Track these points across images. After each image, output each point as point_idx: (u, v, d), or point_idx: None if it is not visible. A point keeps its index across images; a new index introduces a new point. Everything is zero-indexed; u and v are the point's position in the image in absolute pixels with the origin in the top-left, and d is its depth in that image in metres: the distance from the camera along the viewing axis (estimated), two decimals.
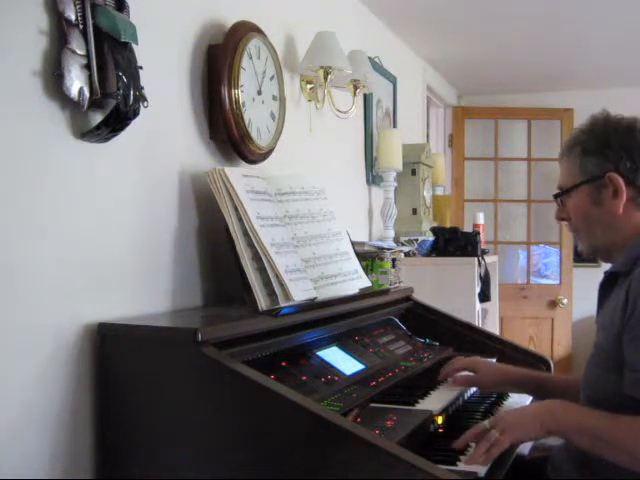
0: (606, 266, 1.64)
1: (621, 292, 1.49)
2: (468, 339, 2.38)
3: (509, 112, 5.28)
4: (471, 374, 1.93)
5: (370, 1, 3.32)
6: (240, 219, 1.72)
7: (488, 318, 3.87)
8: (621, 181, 1.53)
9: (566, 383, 1.86)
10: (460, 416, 1.85)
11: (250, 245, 1.72)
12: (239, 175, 1.80)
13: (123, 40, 1.47)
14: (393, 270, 2.56)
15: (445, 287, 3.15)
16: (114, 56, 1.47)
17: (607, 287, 1.61)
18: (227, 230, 1.73)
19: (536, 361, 2.26)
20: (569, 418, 1.46)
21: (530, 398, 2.03)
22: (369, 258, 2.46)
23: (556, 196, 1.67)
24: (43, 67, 1.42)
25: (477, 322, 3.21)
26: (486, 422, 1.50)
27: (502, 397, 2.08)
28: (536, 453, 1.84)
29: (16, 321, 1.37)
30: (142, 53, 1.56)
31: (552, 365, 2.27)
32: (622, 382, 1.43)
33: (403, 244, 3.33)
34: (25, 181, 1.40)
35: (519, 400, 2.03)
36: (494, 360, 2.24)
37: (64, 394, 1.48)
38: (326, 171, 2.76)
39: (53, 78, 1.43)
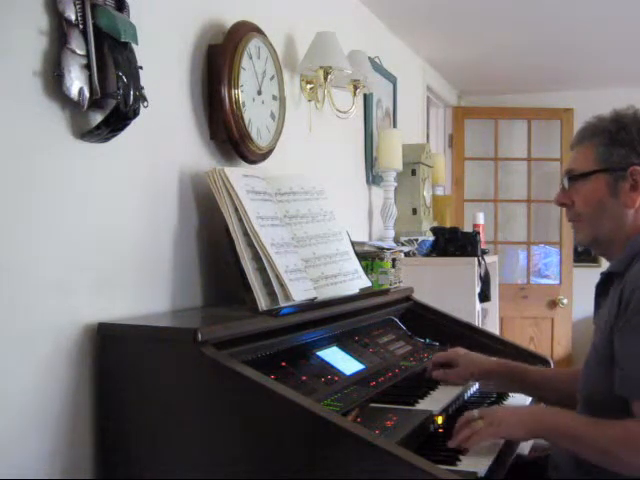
0: (606, 266, 1.63)
1: (616, 292, 1.49)
2: (468, 339, 2.38)
3: (509, 112, 5.28)
4: (447, 369, 1.94)
5: (370, 1, 3.32)
6: (240, 219, 1.73)
7: (488, 318, 3.87)
8: None
9: (545, 376, 1.87)
10: (460, 416, 1.84)
11: (250, 245, 1.72)
12: (239, 175, 1.80)
13: (123, 40, 1.47)
14: (393, 270, 2.56)
15: (445, 287, 3.15)
16: (114, 56, 1.47)
17: (603, 287, 1.61)
18: (227, 230, 1.73)
19: (536, 361, 2.26)
20: (554, 423, 1.48)
21: (529, 398, 2.03)
22: (369, 258, 2.46)
23: (571, 179, 1.62)
24: (43, 67, 1.42)
25: (477, 322, 3.21)
26: (476, 411, 1.54)
27: (502, 397, 2.08)
28: (536, 453, 1.85)
29: (16, 321, 1.37)
30: (142, 53, 1.56)
31: (552, 365, 2.28)
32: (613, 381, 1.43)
33: (403, 244, 3.33)
34: (25, 181, 1.39)
35: (519, 400, 2.03)
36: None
37: (64, 394, 1.48)
38: (326, 171, 2.76)
39: (53, 78, 1.42)
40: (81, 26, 1.44)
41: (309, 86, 2.62)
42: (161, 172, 1.80)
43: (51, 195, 1.45)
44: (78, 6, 1.44)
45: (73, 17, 1.43)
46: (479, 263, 3.26)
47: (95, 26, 1.46)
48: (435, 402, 1.77)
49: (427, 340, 2.36)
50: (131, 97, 1.48)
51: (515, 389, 1.99)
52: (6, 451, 1.35)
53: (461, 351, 2.00)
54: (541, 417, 1.51)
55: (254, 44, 2.06)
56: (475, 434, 1.49)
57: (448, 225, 3.91)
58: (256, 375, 1.38)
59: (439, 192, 4.37)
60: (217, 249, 1.92)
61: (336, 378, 1.74)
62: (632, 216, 1.56)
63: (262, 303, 1.68)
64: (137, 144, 1.69)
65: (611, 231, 1.58)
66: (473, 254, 3.26)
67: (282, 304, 1.70)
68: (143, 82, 1.54)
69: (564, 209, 1.69)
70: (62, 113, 1.48)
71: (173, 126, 1.86)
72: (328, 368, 1.77)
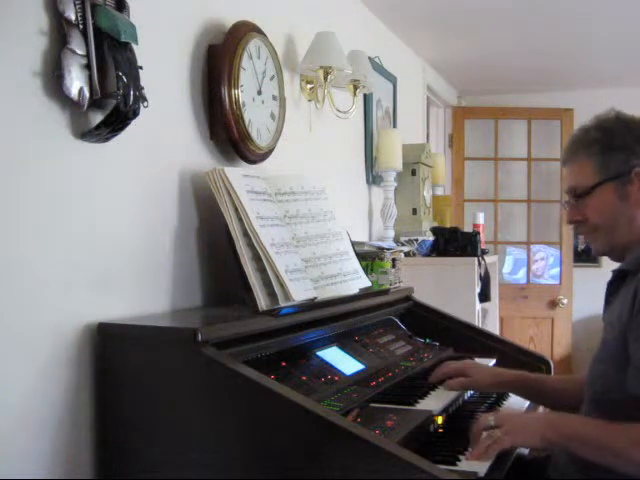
0: (607, 266, 1.63)
1: (629, 290, 1.49)
2: (468, 339, 2.38)
3: (509, 112, 5.28)
4: (463, 379, 1.92)
5: (370, 1, 3.32)
6: (240, 219, 1.72)
7: (488, 318, 3.87)
8: None
9: (562, 384, 1.86)
10: (460, 416, 1.85)
11: (250, 245, 1.72)
12: (239, 175, 1.80)
13: (123, 40, 1.47)
14: (393, 270, 2.56)
15: (445, 287, 3.15)
16: (114, 56, 1.47)
17: (615, 285, 1.61)
18: (227, 230, 1.73)
19: (536, 361, 2.26)
20: (569, 429, 1.46)
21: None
22: (369, 258, 2.46)
23: (577, 197, 1.61)
24: (43, 67, 1.42)
25: (477, 322, 3.21)
26: (491, 418, 1.51)
27: (502, 397, 2.08)
28: (537, 453, 1.84)
29: (16, 321, 1.37)
30: (142, 53, 1.56)
31: (552, 365, 2.27)
32: (626, 379, 1.43)
33: (403, 244, 3.33)
34: (25, 181, 1.39)
35: (519, 400, 2.03)
36: (492, 362, 2.24)
37: (64, 394, 1.48)
38: (326, 171, 2.76)
39: (53, 78, 1.43)
40: (81, 26, 1.44)
41: (309, 86, 2.63)
42: (161, 172, 1.80)
43: (51, 195, 1.45)
44: (78, 6, 1.44)
45: (73, 17, 1.43)
46: (479, 263, 3.27)
47: (95, 26, 1.46)
48: (435, 402, 1.77)
49: (427, 340, 2.36)
50: (131, 97, 1.48)
51: (531, 399, 1.98)
52: (6, 451, 1.35)
53: (472, 362, 2.00)
54: (558, 425, 1.47)
55: (254, 44, 2.06)
56: (494, 444, 1.45)
57: (448, 225, 3.91)
58: (256, 375, 1.38)
59: (439, 192, 4.37)
60: (217, 249, 1.92)
61: (336, 378, 1.74)
62: None
63: (262, 303, 1.68)
64: (137, 144, 1.69)
65: (627, 235, 1.57)
66: (473, 254, 3.26)
67: (282, 304, 1.70)
68: (143, 82, 1.54)
69: (563, 210, 1.69)
70: (62, 113, 1.48)
71: (173, 126, 1.86)
72: (328, 368, 1.77)
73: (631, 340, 1.44)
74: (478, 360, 2.15)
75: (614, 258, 1.66)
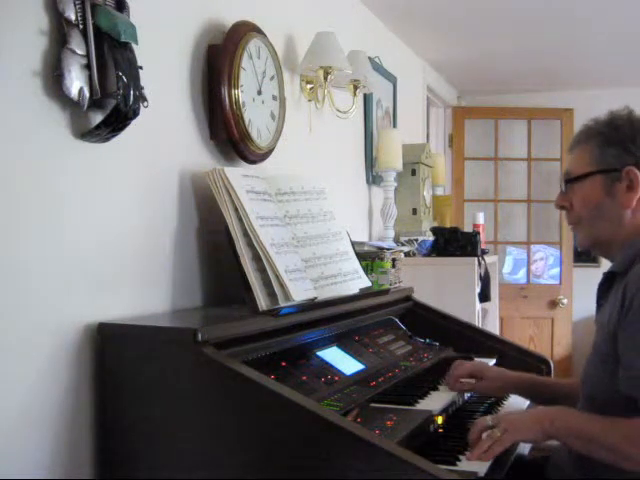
0: (607, 267, 1.63)
1: (618, 292, 1.49)
2: (468, 339, 2.38)
3: (509, 112, 5.28)
4: (472, 381, 1.92)
5: (370, 1, 3.32)
6: (240, 219, 1.72)
7: (488, 318, 3.87)
8: (639, 176, 1.53)
9: (569, 387, 1.86)
10: (460, 416, 1.85)
11: (250, 245, 1.72)
12: (239, 175, 1.80)
13: (123, 40, 1.47)
14: (393, 270, 2.56)
15: (445, 287, 3.15)
16: (114, 56, 1.47)
17: (605, 287, 1.61)
18: (227, 230, 1.73)
19: (536, 361, 2.26)
20: (567, 424, 1.48)
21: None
22: (369, 258, 2.46)
23: (567, 181, 1.63)
24: (43, 67, 1.42)
25: (477, 322, 3.21)
26: (489, 418, 1.53)
27: (502, 397, 2.07)
28: (536, 453, 1.84)
29: (16, 321, 1.37)
30: (142, 53, 1.56)
31: (552, 365, 2.27)
32: (617, 380, 1.43)
33: (403, 244, 3.33)
34: (25, 181, 1.39)
35: (519, 400, 2.03)
36: (492, 362, 2.23)
37: (64, 394, 1.48)
38: (326, 171, 2.76)
39: (53, 78, 1.42)
40: (81, 26, 1.44)
41: (309, 86, 2.63)
42: (161, 172, 1.80)
43: (51, 195, 1.45)
44: (78, 6, 1.44)
45: (73, 17, 1.43)
46: (479, 263, 3.27)
47: (95, 26, 1.46)
48: (435, 402, 1.77)
49: (427, 340, 2.36)
50: (131, 97, 1.48)
51: (542, 403, 1.98)
52: (6, 451, 1.35)
53: (484, 364, 2.00)
54: (554, 418, 1.49)
55: (254, 44, 2.06)
56: (495, 444, 1.47)
57: (448, 225, 3.92)
58: (256, 375, 1.38)
59: (439, 192, 4.37)
60: (217, 249, 1.92)
61: (336, 378, 1.74)
62: (630, 216, 1.56)
63: (262, 303, 1.68)
64: (137, 144, 1.69)
65: (610, 232, 1.58)
66: (473, 254, 3.26)
67: (282, 304, 1.70)
68: (143, 82, 1.54)
69: (564, 212, 1.70)
70: (62, 113, 1.48)
71: (173, 126, 1.86)
72: (328, 368, 1.77)
73: (620, 341, 1.44)
74: (478, 360, 2.14)
75: (598, 253, 1.67)
